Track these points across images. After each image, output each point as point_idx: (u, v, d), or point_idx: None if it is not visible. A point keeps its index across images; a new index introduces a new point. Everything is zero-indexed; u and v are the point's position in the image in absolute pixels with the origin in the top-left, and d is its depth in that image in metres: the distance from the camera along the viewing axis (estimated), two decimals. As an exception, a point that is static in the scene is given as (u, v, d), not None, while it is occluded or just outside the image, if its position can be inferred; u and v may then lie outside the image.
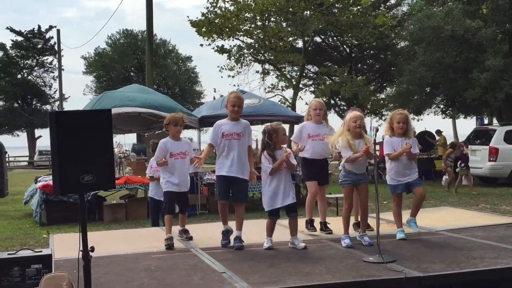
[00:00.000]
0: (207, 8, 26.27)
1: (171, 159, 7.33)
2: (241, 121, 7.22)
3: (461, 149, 15.98)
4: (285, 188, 6.91)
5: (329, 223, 7.98)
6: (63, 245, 7.46)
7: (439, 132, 21.44)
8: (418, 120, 27.03)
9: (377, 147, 7.56)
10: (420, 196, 7.52)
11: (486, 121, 28.92)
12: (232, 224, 7.26)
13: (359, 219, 8.03)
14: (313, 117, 7.77)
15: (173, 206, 7.48)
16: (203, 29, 25.79)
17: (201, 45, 27.08)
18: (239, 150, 7.05)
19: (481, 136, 18.33)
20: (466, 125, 62.38)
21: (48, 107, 52.90)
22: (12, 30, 51.12)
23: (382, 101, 29.72)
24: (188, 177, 7.63)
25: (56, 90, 50.71)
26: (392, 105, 26.37)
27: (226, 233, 7.19)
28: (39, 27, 51.88)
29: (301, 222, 7.62)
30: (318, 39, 31.12)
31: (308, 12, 26.28)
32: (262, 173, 6.99)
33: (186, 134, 18.71)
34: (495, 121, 24.67)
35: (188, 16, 29.66)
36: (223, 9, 25.96)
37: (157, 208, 9.55)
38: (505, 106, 21.38)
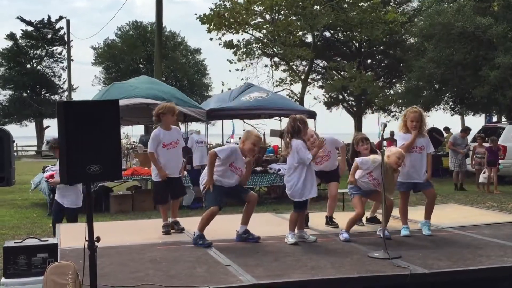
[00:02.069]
0: (216, 4, 26.26)
1: (164, 149, 7.35)
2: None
3: (495, 145, 15.72)
4: (314, 178, 6.87)
5: (334, 218, 7.98)
6: (69, 234, 7.48)
7: (447, 129, 21.35)
8: (427, 116, 26.79)
9: (384, 143, 7.52)
10: (432, 198, 7.48)
11: (494, 119, 28.77)
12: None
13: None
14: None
15: (165, 196, 7.58)
16: (212, 24, 25.75)
17: (211, 39, 27.11)
18: (239, 177, 6.89)
19: (489, 134, 18.23)
20: (475, 123, 62.10)
21: (56, 97, 53.05)
22: (22, 20, 51.29)
23: (390, 97, 29.62)
24: (180, 163, 7.65)
25: (65, 81, 50.94)
26: (400, 101, 26.30)
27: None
28: (49, 17, 52.13)
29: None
30: (327, 33, 31.00)
31: (318, 6, 26.21)
32: (292, 160, 6.72)
33: (194, 126, 18.74)
34: (504, 119, 24.54)
35: (196, 14, 29.52)
36: (233, 2, 25.93)
37: (59, 211, 8.65)
38: (514, 104, 21.27)
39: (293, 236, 6.81)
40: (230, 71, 29.00)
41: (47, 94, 53.66)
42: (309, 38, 30.03)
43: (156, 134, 7.39)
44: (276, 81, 28.43)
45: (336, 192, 8.07)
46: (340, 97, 31.47)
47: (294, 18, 26.94)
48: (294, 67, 29.44)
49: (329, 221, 7.90)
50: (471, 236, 7.27)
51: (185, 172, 8.21)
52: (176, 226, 7.60)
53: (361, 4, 26.07)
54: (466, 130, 17.10)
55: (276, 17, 27.13)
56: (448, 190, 15.37)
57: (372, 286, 5.40)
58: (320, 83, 32.76)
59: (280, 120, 17.02)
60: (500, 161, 16.47)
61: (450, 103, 25.62)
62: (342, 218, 8.33)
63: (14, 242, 5.23)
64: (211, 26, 25.91)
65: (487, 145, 15.99)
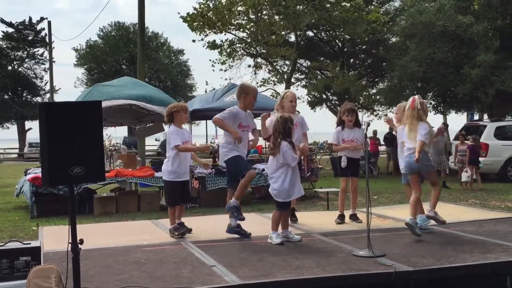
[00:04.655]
0: (199, 3, 26.19)
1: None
2: (248, 113, 7.65)
3: (477, 143, 15.93)
4: (298, 178, 6.92)
5: (296, 210, 8.37)
6: (53, 237, 7.44)
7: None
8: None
9: (368, 141, 7.61)
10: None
11: (476, 117, 29.00)
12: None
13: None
14: (288, 108, 7.94)
15: (178, 197, 7.44)
16: (195, 24, 25.70)
17: (193, 40, 27.06)
18: (247, 140, 7.49)
19: (471, 132, 18.38)
20: (457, 121, 62.73)
21: (39, 99, 52.45)
22: (2, 21, 50.74)
23: (373, 96, 29.73)
24: (188, 163, 7.75)
25: (47, 82, 50.41)
26: (383, 100, 26.44)
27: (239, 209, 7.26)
28: (30, 18, 51.54)
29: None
30: (310, 33, 31.04)
31: (300, 6, 26.23)
32: (278, 163, 6.79)
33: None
34: (486, 117, 24.76)
35: (179, 13, 29.31)
36: (216, 2, 25.88)
37: None
38: (496, 102, 21.45)
39: (277, 236, 6.81)
40: (214, 70, 28.92)
41: (29, 96, 53.07)
42: (292, 38, 30.06)
43: (175, 130, 7.39)
44: (261, 81, 28.45)
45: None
46: (324, 96, 31.52)
47: (277, 18, 26.94)
48: (278, 67, 29.44)
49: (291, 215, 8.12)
50: (454, 233, 7.33)
51: None
52: (185, 228, 7.60)
53: (343, 4, 26.12)
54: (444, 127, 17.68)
55: (259, 17, 27.11)
56: (429, 188, 15.45)
57: (358, 285, 5.42)
58: (304, 83, 32.81)
59: (264, 120, 16.98)
60: (482, 158, 16.62)
61: (432, 102, 25.80)
62: (328, 217, 8.37)
63: (-4, 246, 5.17)
64: (194, 26, 25.86)
65: (469, 143, 16.12)
